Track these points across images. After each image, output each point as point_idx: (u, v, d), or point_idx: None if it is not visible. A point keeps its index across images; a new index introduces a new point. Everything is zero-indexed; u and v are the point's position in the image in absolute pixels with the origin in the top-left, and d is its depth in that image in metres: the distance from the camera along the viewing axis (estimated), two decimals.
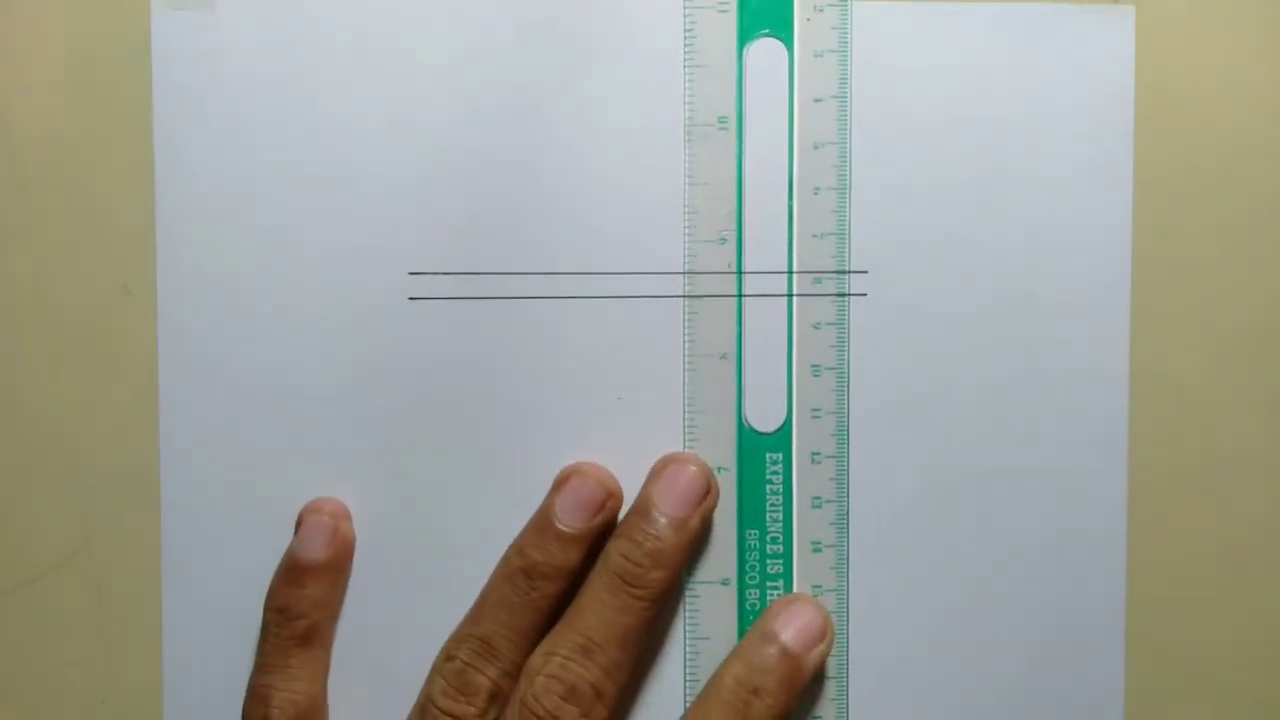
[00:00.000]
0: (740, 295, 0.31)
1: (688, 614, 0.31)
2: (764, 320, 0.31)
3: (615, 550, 0.29)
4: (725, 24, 0.31)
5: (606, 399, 0.31)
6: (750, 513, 0.31)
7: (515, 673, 0.29)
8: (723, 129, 0.31)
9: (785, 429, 0.31)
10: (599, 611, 0.29)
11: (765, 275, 0.31)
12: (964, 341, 0.31)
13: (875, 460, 0.31)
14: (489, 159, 0.31)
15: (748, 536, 0.31)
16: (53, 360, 0.31)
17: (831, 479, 0.31)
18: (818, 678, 0.31)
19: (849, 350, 0.31)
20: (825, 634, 0.30)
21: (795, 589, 0.31)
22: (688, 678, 0.31)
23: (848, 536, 0.31)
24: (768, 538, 0.31)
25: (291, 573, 0.30)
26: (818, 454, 0.31)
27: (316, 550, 0.30)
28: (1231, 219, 0.32)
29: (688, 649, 0.31)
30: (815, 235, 0.31)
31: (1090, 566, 0.31)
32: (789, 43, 0.31)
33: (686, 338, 0.31)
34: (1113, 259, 0.31)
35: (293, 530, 0.31)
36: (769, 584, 0.31)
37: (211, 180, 0.31)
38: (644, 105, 0.31)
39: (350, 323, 0.31)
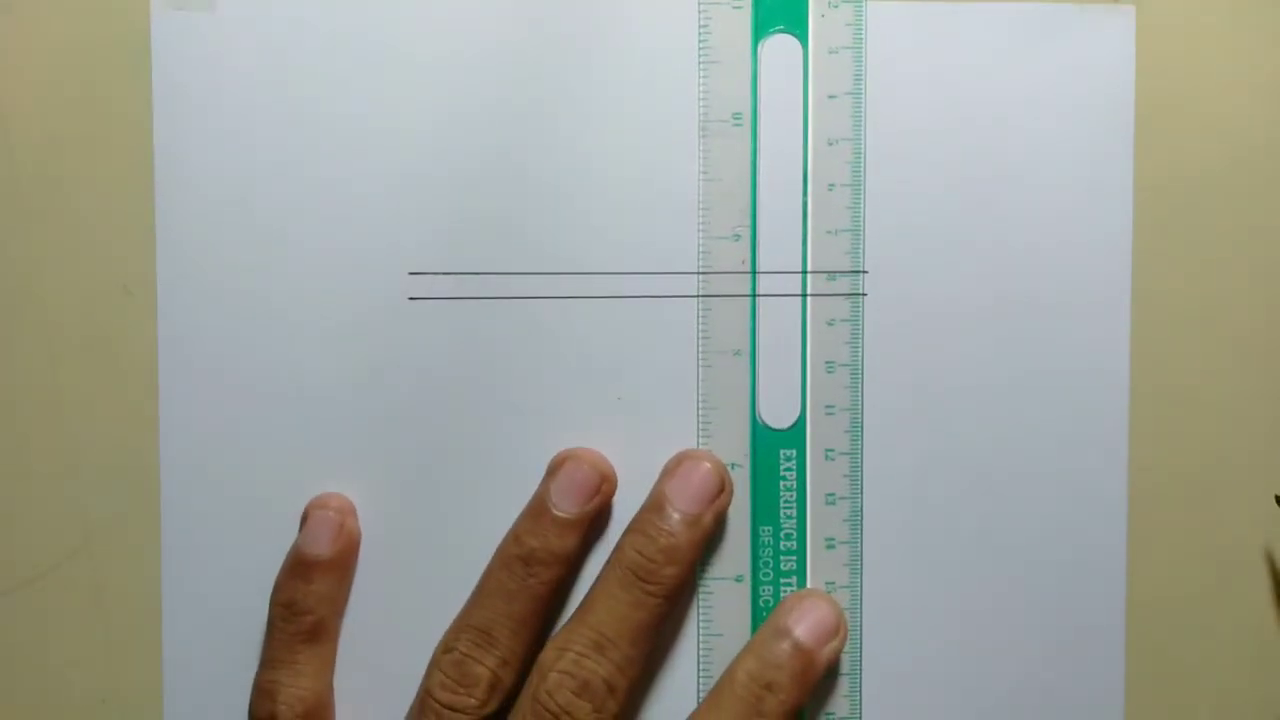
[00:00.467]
0: (754, 295, 0.31)
1: (701, 610, 0.31)
2: (778, 316, 0.31)
3: (629, 545, 0.30)
4: (740, 20, 0.31)
5: (608, 399, 0.31)
6: (764, 509, 0.31)
7: (514, 662, 0.29)
8: (737, 125, 0.31)
9: (799, 425, 0.31)
10: (612, 607, 0.29)
11: (779, 273, 0.31)
12: (963, 341, 0.31)
13: (889, 457, 0.31)
14: (490, 158, 0.31)
15: (761, 533, 0.31)
16: (53, 360, 0.31)
17: (845, 475, 0.31)
18: (830, 674, 0.31)
19: (863, 347, 0.31)
20: (838, 630, 0.30)
21: (809, 585, 0.31)
22: (701, 673, 0.31)
23: (861, 533, 0.31)
24: (781, 534, 0.31)
25: (297, 568, 0.30)
26: (831, 451, 0.31)
27: (322, 546, 0.30)
28: (1232, 219, 0.32)
29: (701, 645, 0.31)
30: (829, 232, 0.31)
31: (1090, 566, 0.31)
32: (803, 39, 0.31)
33: (700, 334, 0.31)
34: (1113, 258, 0.31)
35: (293, 530, 0.31)
36: (782, 580, 0.31)
37: (211, 180, 0.31)
38: (658, 101, 0.31)
39: (350, 323, 0.31)
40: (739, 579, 0.31)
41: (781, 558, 0.31)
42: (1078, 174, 0.31)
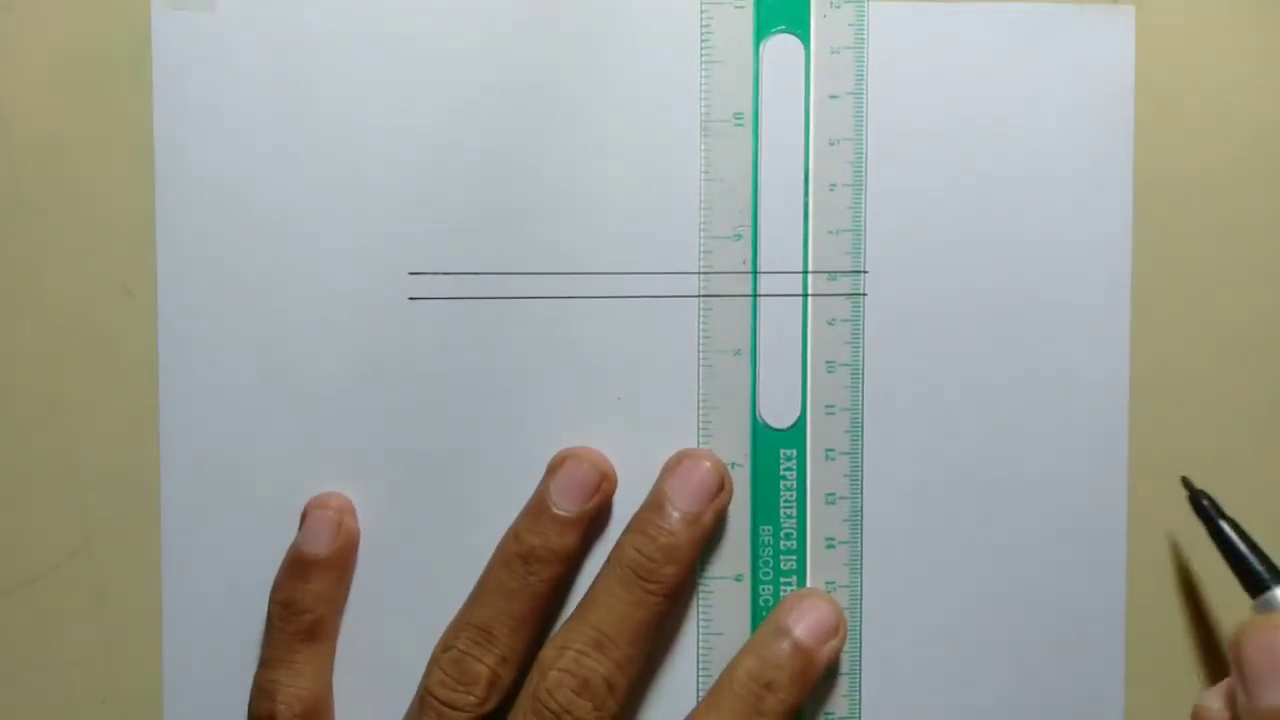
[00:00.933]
0: (755, 294, 0.31)
1: (701, 609, 0.31)
2: (778, 316, 0.31)
3: (629, 544, 0.30)
4: (742, 20, 0.31)
5: (608, 399, 0.31)
6: (764, 509, 0.31)
7: (514, 660, 0.29)
8: (739, 125, 0.31)
9: (799, 425, 0.31)
10: (611, 606, 0.29)
11: (780, 273, 0.31)
12: (963, 341, 0.31)
13: (889, 457, 0.31)
14: (491, 158, 0.31)
15: (761, 532, 0.31)
16: (53, 360, 0.31)
17: (845, 475, 0.31)
18: (830, 673, 0.31)
19: (863, 347, 0.31)
20: (838, 629, 0.30)
21: (808, 585, 0.31)
22: (700, 672, 0.31)
23: (861, 533, 0.31)
24: (781, 533, 0.31)
25: (296, 567, 0.30)
26: (831, 450, 0.31)
27: (321, 545, 0.30)
28: (1231, 219, 0.32)
29: (701, 644, 0.31)
30: (830, 231, 0.31)
31: (1090, 566, 0.31)
32: (805, 39, 0.31)
33: (701, 334, 0.31)
34: (1113, 258, 0.31)
35: (292, 529, 0.31)
36: (782, 580, 0.31)
37: (211, 180, 0.31)
38: (660, 101, 0.31)
39: (350, 323, 0.31)
40: (739, 578, 0.31)
41: (781, 557, 0.31)
42: (1077, 174, 0.31)
